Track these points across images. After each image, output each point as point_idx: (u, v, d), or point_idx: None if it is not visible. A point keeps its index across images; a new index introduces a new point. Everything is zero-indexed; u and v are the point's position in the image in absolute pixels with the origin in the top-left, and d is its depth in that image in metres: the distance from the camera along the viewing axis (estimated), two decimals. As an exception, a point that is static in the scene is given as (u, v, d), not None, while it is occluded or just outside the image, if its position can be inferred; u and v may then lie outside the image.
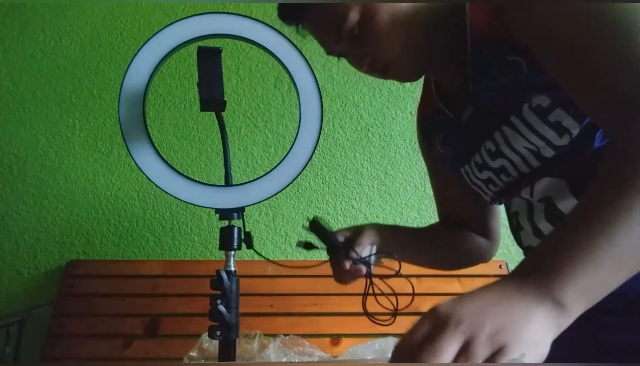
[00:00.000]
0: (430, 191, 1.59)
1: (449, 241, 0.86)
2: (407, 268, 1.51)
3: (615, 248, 0.37)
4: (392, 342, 1.27)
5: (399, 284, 1.47)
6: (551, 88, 0.52)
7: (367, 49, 0.65)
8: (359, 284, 1.46)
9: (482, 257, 0.87)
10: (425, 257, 0.88)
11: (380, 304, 0.78)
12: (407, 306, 0.78)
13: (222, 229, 1.11)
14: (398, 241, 0.82)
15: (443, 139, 0.75)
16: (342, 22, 0.63)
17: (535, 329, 0.36)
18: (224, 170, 1.15)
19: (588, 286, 0.37)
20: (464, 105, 0.66)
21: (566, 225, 0.41)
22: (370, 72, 0.68)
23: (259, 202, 1.12)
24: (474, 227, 0.85)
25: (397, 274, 1.52)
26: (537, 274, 0.39)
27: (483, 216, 0.85)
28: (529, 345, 0.35)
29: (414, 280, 1.47)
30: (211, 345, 1.19)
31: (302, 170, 1.12)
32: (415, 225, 1.56)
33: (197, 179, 1.13)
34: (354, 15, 0.62)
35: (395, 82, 0.77)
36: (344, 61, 0.74)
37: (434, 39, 0.63)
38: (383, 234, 0.78)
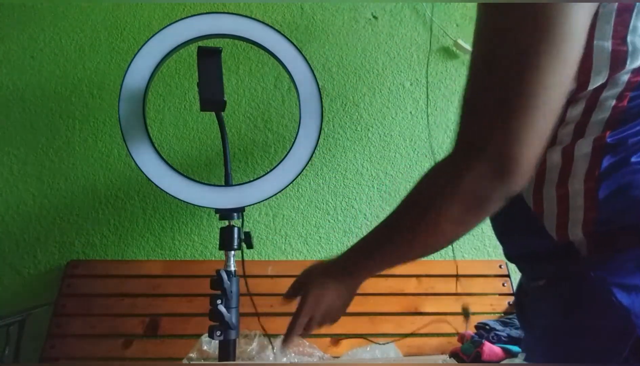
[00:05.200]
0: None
1: None
2: (407, 268, 1.51)
3: (385, 249, 0.60)
4: (392, 347, 1.28)
5: (400, 285, 1.47)
6: None
7: None
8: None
9: None
10: None
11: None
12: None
13: (222, 229, 1.11)
14: None
15: None
16: None
17: (333, 297, 0.68)
18: (224, 170, 1.15)
19: (367, 267, 0.66)
20: None
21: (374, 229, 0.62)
22: None
23: (259, 202, 1.12)
24: None
25: (397, 275, 1.53)
26: (342, 260, 0.68)
27: None
28: (330, 309, 0.68)
29: (413, 280, 1.48)
30: (210, 347, 1.19)
31: (302, 170, 1.12)
32: (415, 225, 1.57)
33: (197, 179, 1.13)
34: None
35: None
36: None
37: None
38: None
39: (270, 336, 1.29)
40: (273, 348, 1.22)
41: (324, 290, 0.69)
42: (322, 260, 0.70)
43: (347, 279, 0.68)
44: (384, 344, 1.33)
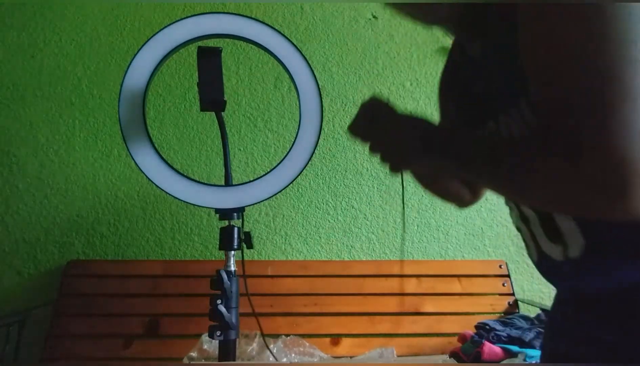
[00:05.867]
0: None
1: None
2: (408, 269, 1.52)
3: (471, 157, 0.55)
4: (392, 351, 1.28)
5: (400, 285, 1.47)
6: None
7: None
8: (358, 285, 1.46)
9: (459, 203, 0.88)
10: None
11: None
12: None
13: (222, 229, 1.11)
14: None
15: (457, 102, 0.75)
16: None
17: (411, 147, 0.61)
18: (224, 170, 1.15)
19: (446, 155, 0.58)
20: (478, 77, 0.66)
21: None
22: None
23: (259, 202, 1.12)
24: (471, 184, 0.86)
25: (398, 275, 1.52)
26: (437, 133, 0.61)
27: None
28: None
29: (413, 280, 1.48)
30: (211, 346, 1.19)
31: (302, 170, 1.12)
32: (415, 225, 1.57)
33: (197, 179, 1.13)
34: None
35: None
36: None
37: None
38: None
39: (264, 336, 1.29)
40: (270, 348, 1.22)
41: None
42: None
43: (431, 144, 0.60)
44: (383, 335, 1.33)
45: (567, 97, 0.45)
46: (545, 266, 0.63)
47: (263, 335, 1.17)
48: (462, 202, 0.87)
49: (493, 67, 0.61)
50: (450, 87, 0.77)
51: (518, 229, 0.67)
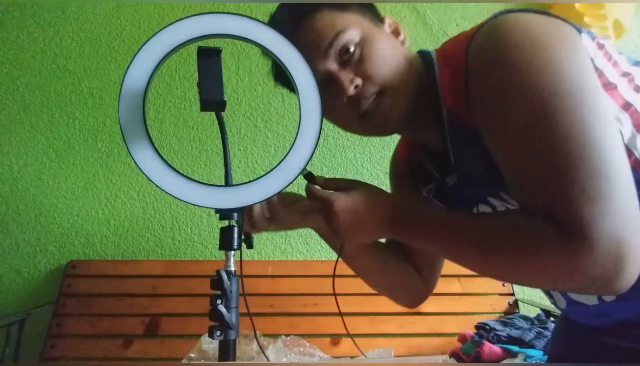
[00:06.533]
0: (430, 191, 1.57)
1: (388, 262, 0.84)
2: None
3: (444, 237, 0.55)
4: (390, 352, 1.28)
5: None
6: None
7: (364, 70, 0.62)
8: (359, 284, 1.46)
9: (409, 297, 0.84)
10: (362, 264, 0.86)
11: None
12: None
13: (222, 229, 1.11)
14: None
15: (434, 191, 0.74)
16: (342, 38, 0.62)
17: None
18: (224, 170, 1.15)
19: (414, 234, 0.59)
20: (448, 173, 0.66)
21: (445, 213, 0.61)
22: (356, 98, 0.63)
23: (259, 202, 1.11)
24: (418, 264, 0.82)
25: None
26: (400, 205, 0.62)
27: (433, 261, 0.83)
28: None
29: (414, 280, 1.48)
30: (210, 346, 1.19)
31: (302, 170, 1.12)
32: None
33: (197, 179, 1.13)
34: (354, 35, 0.61)
35: None
36: None
37: (420, 91, 0.62)
38: None
39: (257, 337, 1.29)
40: (261, 347, 1.22)
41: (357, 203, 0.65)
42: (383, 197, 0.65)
43: (386, 219, 0.62)
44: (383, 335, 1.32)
45: (549, 193, 0.46)
46: (575, 311, 0.62)
47: (257, 336, 1.17)
48: (414, 293, 0.83)
49: (464, 161, 0.61)
50: (418, 182, 0.76)
51: None
